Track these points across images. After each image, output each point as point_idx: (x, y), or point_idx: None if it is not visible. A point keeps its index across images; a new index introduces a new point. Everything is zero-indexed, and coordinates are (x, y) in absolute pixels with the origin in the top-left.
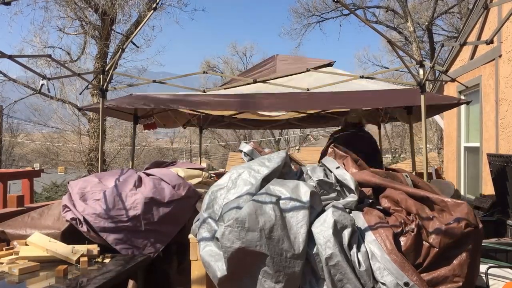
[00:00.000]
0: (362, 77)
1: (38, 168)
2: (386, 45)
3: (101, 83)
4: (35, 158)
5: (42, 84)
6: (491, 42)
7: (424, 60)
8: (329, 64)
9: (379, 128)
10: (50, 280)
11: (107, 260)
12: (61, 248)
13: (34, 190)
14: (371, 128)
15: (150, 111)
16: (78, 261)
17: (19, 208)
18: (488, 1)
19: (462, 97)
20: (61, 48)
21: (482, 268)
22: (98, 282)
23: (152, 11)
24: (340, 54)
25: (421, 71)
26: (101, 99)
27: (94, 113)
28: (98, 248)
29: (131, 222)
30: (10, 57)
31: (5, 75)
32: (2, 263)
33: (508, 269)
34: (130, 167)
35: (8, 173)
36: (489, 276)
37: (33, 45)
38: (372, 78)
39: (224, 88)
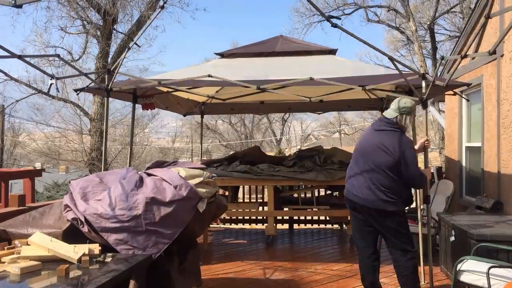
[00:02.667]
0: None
1: (40, 168)
2: (388, 44)
3: (106, 83)
4: (36, 157)
5: (51, 84)
6: (494, 52)
7: (427, 73)
8: (331, 52)
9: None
10: (51, 279)
11: (108, 260)
12: (63, 248)
13: (36, 189)
14: None
15: (149, 91)
16: (79, 260)
17: (20, 208)
18: (490, 12)
19: (464, 96)
20: (62, 48)
21: (484, 268)
22: (99, 281)
23: (160, 9)
24: (342, 54)
25: (423, 83)
26: (106, 99)
27: (95, 113)
28: (100, 248)
29: (132, 222)
30: (20, 57)
31: (6, 74)
32: (3, 262)
33: (510, 269)
34: (129, 150)
35: (10, 172)
36: (490, 276)
37: (34, 44)
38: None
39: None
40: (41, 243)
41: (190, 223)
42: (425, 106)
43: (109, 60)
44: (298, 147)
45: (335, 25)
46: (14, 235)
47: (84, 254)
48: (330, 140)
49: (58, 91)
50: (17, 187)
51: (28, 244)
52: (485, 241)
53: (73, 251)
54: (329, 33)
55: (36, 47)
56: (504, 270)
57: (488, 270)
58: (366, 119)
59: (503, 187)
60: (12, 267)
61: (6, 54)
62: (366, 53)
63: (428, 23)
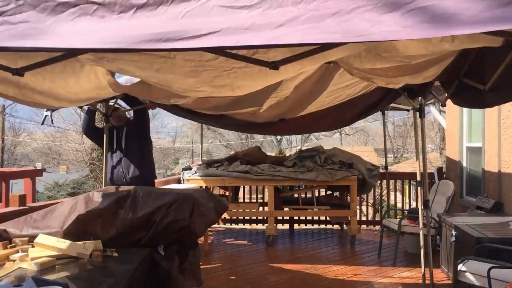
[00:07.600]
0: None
1: (40, 167)
2: None
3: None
4: (37, 157)
5: (45, 116)
6: None
7: None
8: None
9: (383, 113)
10: (74, 271)
11: (115, 254)
12: (72, 246)
13: (36, 189)
14: (373, 128)
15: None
16: (91, 255)
17: (21, 208)
18: None
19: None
20: None
21: (484, 268)
22: (125, 268)
23: None
24: None
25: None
26: (104, 123)
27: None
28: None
29: None
30: None
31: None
32: (13, 261)
33: (511, 270)
34: None
35: (10, 172)
36: (491, 277)
37: None
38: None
39: None
40: (48, 243)
41: (191, 223)
42: (422, 116)
43: None
44: (299, 147)
45: None
46: (15, 236)
47: (94, 250)
48: (330, 140)
49: (53, 123)
50: (18, 187)
51: (30, 245)
52: (485, 241)
53: (83, 248)
54: None
55: None
56: (505, 270)
57: (489, 271)
58: (366, 119)
59: (503, 187)
60: (30, 264)
61: None
62: None
63: None
